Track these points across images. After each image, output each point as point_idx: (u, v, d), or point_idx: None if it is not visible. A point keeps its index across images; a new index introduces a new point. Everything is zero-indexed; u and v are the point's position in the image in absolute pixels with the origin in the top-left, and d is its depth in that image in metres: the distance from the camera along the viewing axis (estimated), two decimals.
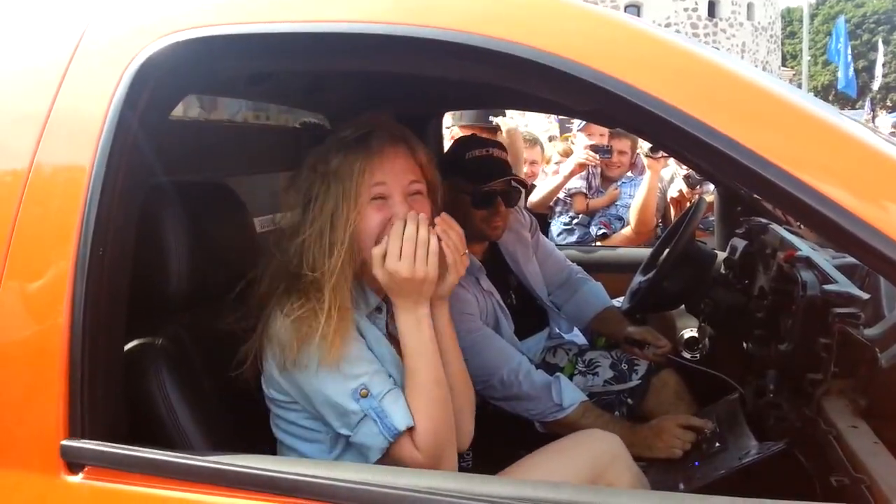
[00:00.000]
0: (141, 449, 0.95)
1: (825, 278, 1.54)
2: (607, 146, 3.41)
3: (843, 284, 1.49)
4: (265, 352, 1.20)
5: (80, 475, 0.96)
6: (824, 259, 1.63)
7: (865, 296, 1.42)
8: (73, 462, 0.96)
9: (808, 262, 1.60)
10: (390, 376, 1.19)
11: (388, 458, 1.15)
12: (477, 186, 1.92)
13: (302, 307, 1.15)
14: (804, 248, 1.69)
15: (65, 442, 0.96)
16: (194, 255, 1.24)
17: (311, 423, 1.22)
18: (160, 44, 1.05)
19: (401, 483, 0.89)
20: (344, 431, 1.16)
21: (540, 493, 0.85)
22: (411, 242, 1.14)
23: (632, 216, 3.32)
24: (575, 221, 3.56)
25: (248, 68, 1.31)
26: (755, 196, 2.26)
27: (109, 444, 0.95)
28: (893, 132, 8.56)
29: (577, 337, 2.33)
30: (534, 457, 1.44)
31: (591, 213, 3.54)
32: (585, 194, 3.53)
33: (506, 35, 0.94)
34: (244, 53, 1.14)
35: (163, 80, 1.08)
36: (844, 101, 26.24)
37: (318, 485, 0.89)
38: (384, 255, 1.15)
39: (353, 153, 1.21)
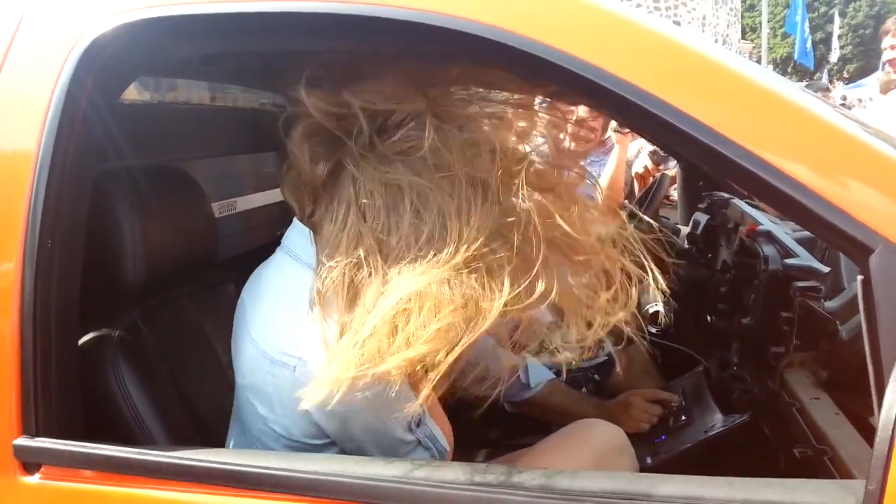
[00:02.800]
0: (100, 446, 0.92)
1: (786, 252, 1.56)
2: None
3: (804, 258, 1.51)
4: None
5: (37, 475, 0.93)
6: (785, 233, 1.65)
7: (826, 269, 1.44)
8: (29, 462, 0.93)
9: (770, 237, 1.62)
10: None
11: None
12: None
13: None
14: (765, 222, 1.70)
15: (18, 441, 0.92)
16: (150, 242, 1.20)
17: (319, 442, 1.06)
18: (107, 24, 1.00)
19: (387, 474, 0.87)
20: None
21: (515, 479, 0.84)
22: None
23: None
24: None
25: (201, 49, 1.27)
26: (716, 175, 2.27)
27: (66, 441, 0.92)
28: (843, 103, 8.70)
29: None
30: (536, 450, 1.40)
31: None
32: None
33: (467, 14, 0.92)
34: (196, 34, 1.10)
35: (110, 62, 1.04)
36: (803, 73, 26.59)
37: (283, 477, 0.88)
38: None
39: None
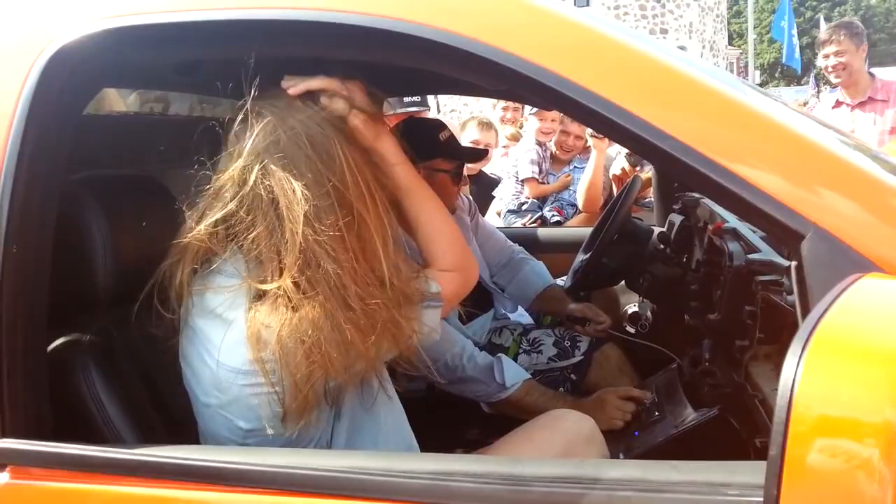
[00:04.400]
0: (65, 445, 0.94)
1: (750, 248, 1.59)
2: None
3: (766, 253, 1.53)
4: None
5: (5, 475, 0.95)
6: (749, 229, 1.68)
7: (787, 263, 1.47)
8: None
9: (735, 233, 1.65)
10: None
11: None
12: (459, 164, 2.03)
13: None
14: (731, 219, 1.73)
15: None
16: (121, 249, 1.22)
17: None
18: (72, 34, 1.03)
19: (347, 465, 0.89)
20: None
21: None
22: None
23: (579, 196, 3.36)
24: (524, 207, 3.58)
25: (170, 59, 1.29)
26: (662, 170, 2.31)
27: (31, 441, 0.94)
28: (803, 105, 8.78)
29: (523, 317, 2.37)
30: (505, 441, 1.42)
31: (541, 198, 3.57)
32: (537, 179, 3.56)
33: (424, 20, 0.95)
34: (164, 44, 1.13)
35: (77, 71, 1.06)
36: (790, 78, 26.78)
37: (249, 472, 0.90)
38: None
39: None
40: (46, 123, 1.02)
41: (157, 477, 0.93)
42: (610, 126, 0.90)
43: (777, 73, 28.75)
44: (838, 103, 3.97)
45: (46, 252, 1.04)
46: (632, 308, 2.53)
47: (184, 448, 0.97)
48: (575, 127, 3.51)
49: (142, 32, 1.06)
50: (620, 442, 1.71)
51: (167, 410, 1.23)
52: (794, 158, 0.84)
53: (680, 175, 0.99)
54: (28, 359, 0.99)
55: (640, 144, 0.89)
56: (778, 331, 1.42)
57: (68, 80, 1.06)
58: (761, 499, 0.76)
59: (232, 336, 1.03)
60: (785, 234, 0.82)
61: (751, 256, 1.54)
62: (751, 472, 0.81)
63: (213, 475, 0.90)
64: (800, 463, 0.61)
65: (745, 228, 1.67)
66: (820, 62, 4.00)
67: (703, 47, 24.63)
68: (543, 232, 3.08)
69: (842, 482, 0.60)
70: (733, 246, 1.60)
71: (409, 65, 1.11)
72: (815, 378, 0.61)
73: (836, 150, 0.87)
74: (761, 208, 0.82)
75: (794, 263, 0.81)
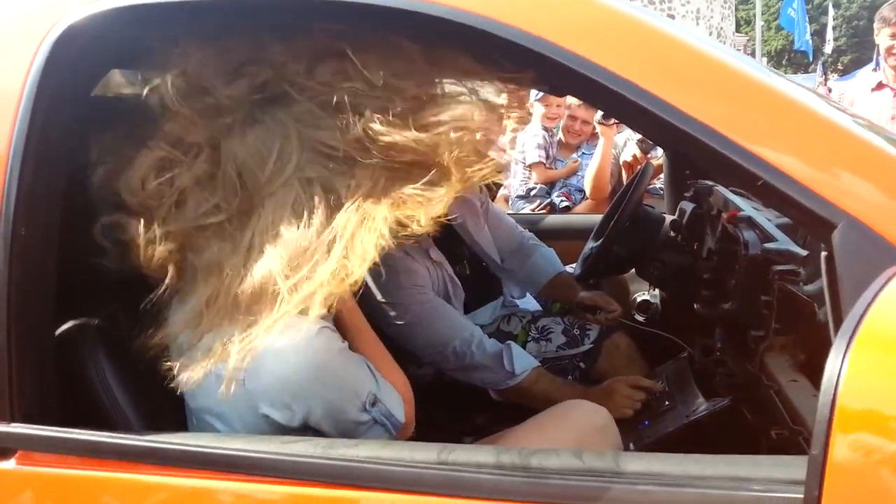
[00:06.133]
0: (74, 430, 0.92)
1: (766, 237, 1.57)
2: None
3: (783, 242, 1.51)
4: None
5: (12, 460, 0.94)
6: (766, 218, 1.65)
7: (804, 252, 1.45)
8: (3, 447, 0.94)
9: (750, 222, 1.63)
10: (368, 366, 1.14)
11: None
12: None
13: None
14: (747, 207, 1.71)
15: None
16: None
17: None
18: (79, 14, 1.01)
19: (361, 455, 0.88)
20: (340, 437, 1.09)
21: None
22: None
23: (587, 183, 3.33)
24: (533, 192, 3.56)
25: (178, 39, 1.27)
26: (686, 156, 2.28)
27: (40, 427, 0.93)
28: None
29: (531, 304, 2.34)
30: (517, 431, 1.40)
31: (549, 183, 3.55)
32: (544, 164, 3.53)
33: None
34: (173, 23, 1.10)
35: (84, 53, 1.04)
36: (798, 66, 26.62)
37: (261, 460, 0.89)
38: None
39: None
40: (54, 105, 1.00)
41: (168, 465, 0.91)
42: (630, 108, 0.87)
43: (784, 60, 28.58)
44: (881, 85, 3.75)
45: (54, 235, 1.02)
46: (641, 296, 2.51)
47: (193, 436, 0.95)
48: (582, 112, 3.48)
49: (152, 11, 1.03)
50: (630, 431, 1.69)
51: (175, 396, 1.22)
52: (826, 145, 0.82)
53: (704, 160, 0.96)
54: (36, 343, 0.97)
55: (664, 128, 0.86)
56: (794, 321, 1.40)
57: (77, 60, 1.03)
58: (784, 494, 0.75)
59: None
60: (815, 224, 0.80)
61: (767, 246, 1.52)
62: (774, 467, 0.79)
63: (226, 464, 0.89)
64: (843, 462, 0.59)
65: (760, 217, 1.65)
66: (881, 41, 3.77)
67: (711, 34, 24.44)
68: (552, 219, 3.05)
69: (889, 482, 0.58)
70: (749, 235, 1.58)
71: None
72: (860, 375, 0.59)
73: (869, 138, 0.85)
74: (791, 196, 0.80)
75: (824, 254, 0.79)
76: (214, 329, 0.99)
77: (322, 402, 1.04)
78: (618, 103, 0.91)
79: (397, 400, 1.14)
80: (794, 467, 0.79)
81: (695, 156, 1.02)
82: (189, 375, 1.00)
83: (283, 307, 0.94)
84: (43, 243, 1.00)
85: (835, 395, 0.58)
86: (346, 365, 1.09)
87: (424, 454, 0.87)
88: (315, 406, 1.03)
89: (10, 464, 0.94)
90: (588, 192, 3.33)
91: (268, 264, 0.95)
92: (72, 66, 1.02)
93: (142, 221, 1.03)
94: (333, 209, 0.97)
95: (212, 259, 1.01)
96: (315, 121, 1.00)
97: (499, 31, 0.89)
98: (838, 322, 0.77)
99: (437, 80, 1.06)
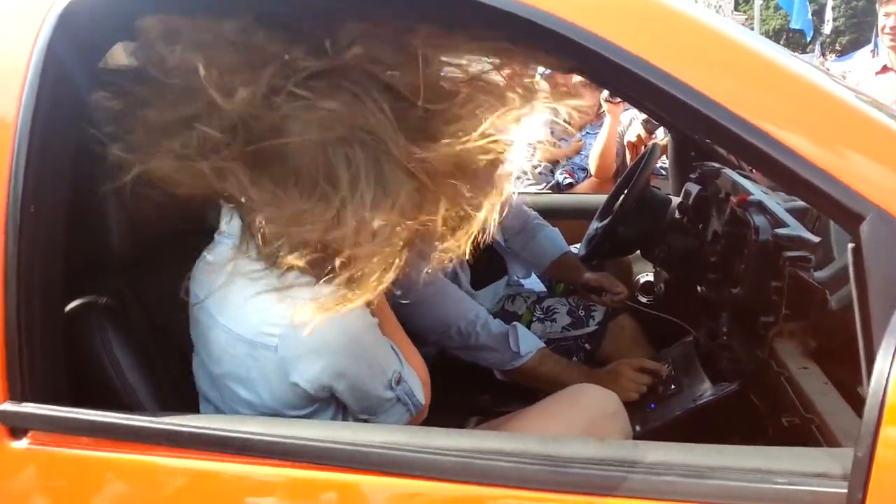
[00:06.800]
0: (85, 411, 0.91)
1: (777, 222, 1.55)
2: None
3: (794, 228, 1.50)
4: None
5: (25, 440, 0.93)
6: (776, 203, 1.64)
7: (816, 239, 1.44)
8: (16, 427, 0.93)
9: (761, 207, 1.61)
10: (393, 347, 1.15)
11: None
12: None
13: None
14: (756, 192, 1.70)
15: (4, 406, 0.92)
16: (136, 209, 1.19)
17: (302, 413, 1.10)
18: None
19: (379, 440, 0.87)
20: (362, 416, 1.11)
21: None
22: None
23: (591, 162, 3.31)
24: (537, 171, 3.54)
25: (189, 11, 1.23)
26: (710, 143, 2.26)
27: (52, 407, 0.92)
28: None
29: (536, 284, 2.34)
30: (526, 414, 1.40)
31: (553, 162, 3.53)
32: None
33: None
34: None
35: (90, 24, 1.01)
36: (796, 46, 26.45)
37: (274, 443, 0.88)
38: None
39: None
40: (60, 80, 0.98)
41: (181, 447, 0.90)
42: (652, 91, 0.85)
43: (783, 40, 28.42)
44: (885, 69, 3.67)
45: (62, 212, 1.01)
46: (644, 277, 2.51)
47: (208, 418, 0.95)
48: (588, 92, 3.45)
49: None
50: (636, 414, 1.68)
51: (184, 373, 1.21)
52: (857, 135, 0.80)
53: (726, 145, 0.94)
54: (46, 323, 0.96)
55: (686, 112, 0.84)
56: (804, 308, 1.39)
57: (80, 34, 1.01)
58: (809, 487, 0.74)
59: None
60: (842, 215, 0.78)
61: (778, 231, 1.51)
62: (796, 459, 0.79)
63: (239, 446, 0.88)
64: (891, 466, 0.58)
65: (771, 202, 1.63)
66: (881, 21, 3.60)
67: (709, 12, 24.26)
68: (556, 198, 3.04)
69: None
70: (759, 219, 1.56)
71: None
72: None
73: None
74: (818, 186, 0.78)
75: (851, 245, 0.78)
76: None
77: (351, 375, 1.03)
78: (639, 85, 0.88)
79: (418, 382, 1.15)
80: (815, 459, 0.78)
81: (717, 142, 1.00)
82: None
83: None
84: (52, 221, 0.98)
85: (883, 396, 0.57)
86: (376, 342, 1.09)
87: (441, 440, 0.86)
88: (344, 379, 1.03)
89: (22, 443, 0.93)
90: (593, 171, 3.31)
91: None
92: (78, 38, 1.00)
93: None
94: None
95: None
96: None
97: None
98: (866, 315, 0.76)
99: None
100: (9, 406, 0.92)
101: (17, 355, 0.92)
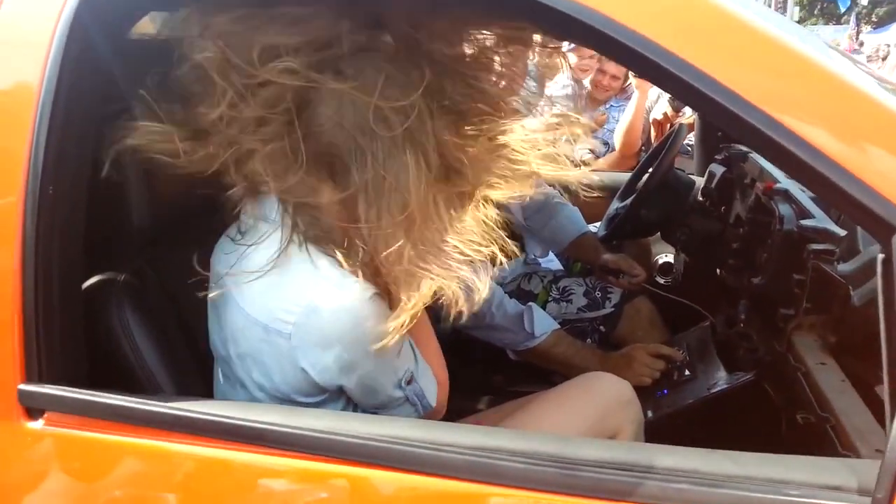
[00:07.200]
0: (104, 394, 0.92)
1: (802, 212, 1.53)
2: None
3: (820, 220, 1.47)
4: None
5: (41, 421, 0.94)
6: (802, 192, 1.61)
7: (842, 232, 1.41)
8: (32, 407, 0.93)
9: (787, 195, 1.58)
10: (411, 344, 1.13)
11: None
12: None
13: None
14: (783, 180, 1.66)
15: (22, 386, 0.92)
16: (157, 186, 1.18)
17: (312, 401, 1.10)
18: None
19: (390, 434, 0.87)
20: (371, 411, 1.10)
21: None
22: None
23: (617, 138, 3.26)
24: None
25: None
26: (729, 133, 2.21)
27: (70, 388, 0.92)
28: (871, 57, 8.32)
29: (553, 263, 2.32)
30: (540, 400, 1.39)
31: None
32: None
33: None
34: None
35: None
36: (830, 16, 25.80)
37: (290, 434, 0.88)
38: None
39: None
40: (85, 54, 0.96)
41: (195, 434, 0.91)
42: (685, 88, 0.83)
43: (816, 10, 27.69)
44: None
45: (82, 191, 1.00)
46: (663, 258, 2.49)
47: (223, 405, 0.95)
48: (612, 67, 3.38)
49: None
50: (648, 400, 1.68)
51: (202, 353, 1.21)
52: (891, 140, 0.78)
53: (758, 149, 0.91)
54: (64, 304, 0.96)
55: (720, 111, 0.82)
56: (826, 302, 1.37)
57: (106, 5, 0.99)
58: (822, 501, 0.74)
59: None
60: (874, 224, 0.76)
61: (803, 222, 1.48)
62: (811, 470, 0.78)
63: (251, 436, 0.88)
64: None
65: (798, 191, 1.60)
66: None
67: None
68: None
69: None
70: (784, 209, 1.54)
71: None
72: None
73: None
74: (850, 194, 0.76)
75: (881, 256, 0.75)
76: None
77: (361, 370, 1.02)
78: (663, 77, 0.86)
79: (432, 384, 1.13)
80: (831, 471, 0.77)
81: (745, 141, 0.97)
82: None
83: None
84: (71, 198, 0.98)
85: None
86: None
87: (452, 436, 0.86)
88: (353, 373, 1.02)
89: (38, 424, 0.94)
90: (618, 147, 3.26)
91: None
92: (104, 9, 0.98)
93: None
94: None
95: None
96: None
97: None
98: (892, 323, 0.74)
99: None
100: (26, 386, 0.92)
101: (35, 337, 0.92)
